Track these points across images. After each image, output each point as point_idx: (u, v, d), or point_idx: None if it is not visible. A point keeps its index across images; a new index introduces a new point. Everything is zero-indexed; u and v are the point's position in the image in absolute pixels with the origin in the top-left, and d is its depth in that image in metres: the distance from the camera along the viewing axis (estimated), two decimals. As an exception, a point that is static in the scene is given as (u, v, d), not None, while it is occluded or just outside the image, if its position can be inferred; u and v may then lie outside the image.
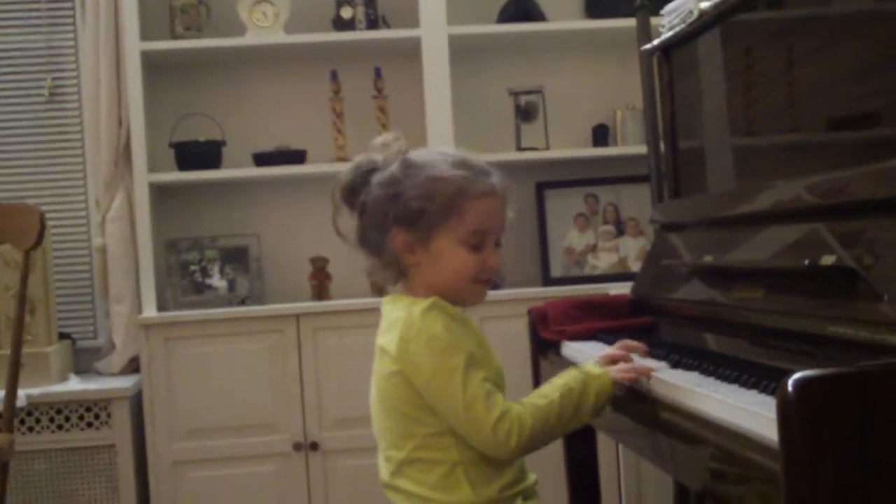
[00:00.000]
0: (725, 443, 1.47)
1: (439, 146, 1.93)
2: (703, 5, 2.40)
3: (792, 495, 1.18)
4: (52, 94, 4.04)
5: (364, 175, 1.85)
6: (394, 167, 1.84)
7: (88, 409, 3.53)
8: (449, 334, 1.76)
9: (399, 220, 1.81)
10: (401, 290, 1.90)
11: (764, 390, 1.55)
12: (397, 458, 1.83)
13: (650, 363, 1.93)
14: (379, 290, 1.91)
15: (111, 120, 3.78)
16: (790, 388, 1.17)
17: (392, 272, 1.87)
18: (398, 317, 1.81)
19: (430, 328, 1.76)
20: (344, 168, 1.89)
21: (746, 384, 1.61)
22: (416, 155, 1.87)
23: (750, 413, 1.43)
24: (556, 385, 1.81)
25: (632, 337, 2.15)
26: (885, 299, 1.53)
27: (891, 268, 1.58)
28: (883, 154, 1.66)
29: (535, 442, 1.77)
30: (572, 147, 4.00)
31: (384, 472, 1.87)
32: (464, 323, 1.84)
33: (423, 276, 1.85)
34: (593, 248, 3.97)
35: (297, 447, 3.58)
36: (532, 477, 1.91)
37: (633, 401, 1.87)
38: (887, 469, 1.18)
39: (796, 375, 1.18)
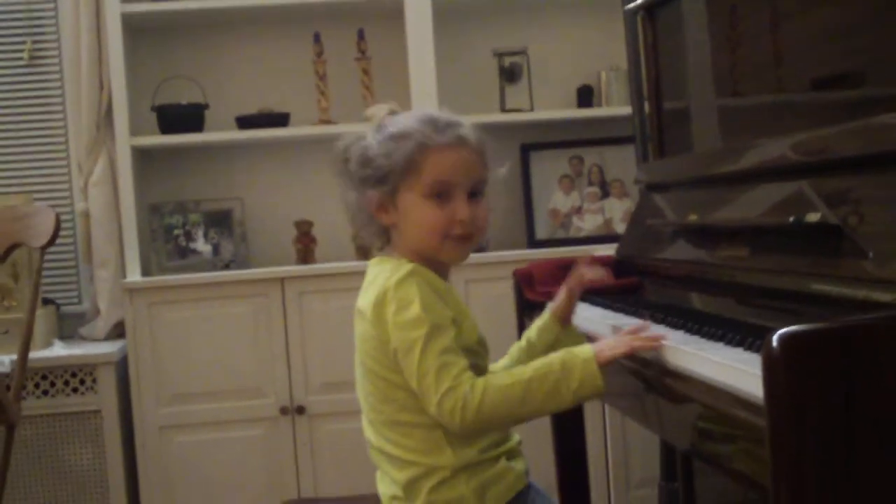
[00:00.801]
0: (711, 400, 1.47)
1: (422, 108, 1.92)
2: (688, -37, 2.39)
3: (778, 450, 1.18)
4: (32, 58, 4.00)
5: (349, 145, 1.87)
6: (371, 134, 1.86)
7: (74, 375, 3.53)
8: (418, 304, 1.74)
9: (370, 181, 1.83)
10: (387, 252, 1.90)
11: (749, 347, 1.55)
12: (378, 420, 1.83)
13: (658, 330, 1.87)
14: (364, 254, 1.91)
15: (92, 83, 3.76)
16: (775, 344, 1.17)
17: (377, 236, 1.89)
18: (376, 279, 1.81)
19: (401, 297, 1.75)
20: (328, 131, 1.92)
21: (732, 342, 1.61)
22: (390, 118, 1.88)
23: (735, 370, 1.43)
24: (534, 364, 1.76)
25: (618, 297, 2.15)
26: (869, 256, 1.53)
27: (875, 225, 1.58)
28: (867, 111, 1.66)
29: (489, 421, 1.72)
30: (557, 108, 3.99)
31: (368, 434, 1.88)
32: (443, 292, 1.81)
33: (401, 236, 1.85)
34: (578, 210, 3.97)
35: (284, 411, 3.58)
36: (516, 437, 1.91)
37: (619, 361, 1.86)
38: (872, 423, 1.18)
39: (781, 331, 1.18)
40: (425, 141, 1.81)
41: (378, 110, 1.90)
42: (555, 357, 1.76)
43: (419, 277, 1.78)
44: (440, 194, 1.81)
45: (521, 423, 1.76)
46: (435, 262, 1.85)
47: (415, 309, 1.74)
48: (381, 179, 1.82)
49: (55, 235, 3.08)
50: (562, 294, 2.04)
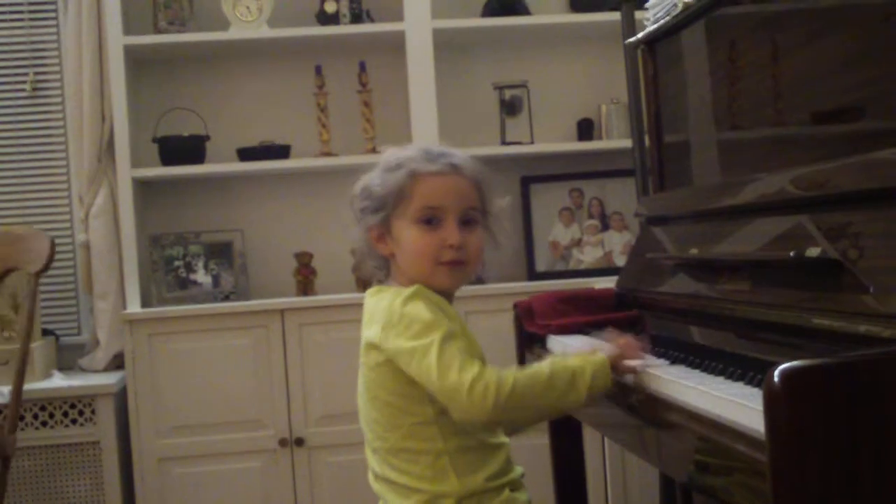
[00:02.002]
0: (712, 434, 1.47)
1: (421, 142, 1.99)
2: (688, -2, 2.40)
3: (779, 485, 1.18)
4: (34, 89, 4.02)
5: (355, 185, 1.93)
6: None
7: (73, 406, 3.52)
8: (428, 315, 1.77)
9: (367, 211, 1.87)
10: (387, 283, 1.92)
11: (750, 382, 1.55)
12: (383, 448, 1.83)
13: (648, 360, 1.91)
14: (364, 285, 1.93)
15: (94, 115, 3.77)
16: (776, 379, 1.17)
17: (379, 268, 1.94)
18: (380, 307, 1.82)
19: (410, 314, 1.77)
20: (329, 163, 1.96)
21: (732, 376, 1.61)
22: (390, 151, 1.93)
23: (736, 404, 1.43)
24: (550, 361, 1.80)
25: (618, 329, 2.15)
26: (870, 291, 1.53)
27: (875, 259, 1.58)
28: (866, 146, 1.66)
29: (517, 407, 1.74)
30: (557, 141, 4.00)
31: (371, 463, 1.87)
32: (447, 311, 1.84)
33: (398, 264, 1.89)
34: (578, 243, 3.97)
35: (283, 443, 3.57)
36: (518, 469, 1.91)
37: (620, 393, 1.86)
38: (874, 459, 1.18)
39: (783, 366, 1.18)
40: (416, 168, 1.86)
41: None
42: (568, 357, 1.82)
43: (423, 295, 1.81)
44: (430, 220, 1.84)
45: (540, 420, 1.86)
46: (429, 287, 1.85)
47: (425, 319, 1.76)
48: (376, 209, 1.86)
49: (50, 260, 3.03)
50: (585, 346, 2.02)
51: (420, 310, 1.77)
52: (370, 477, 1.89)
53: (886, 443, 1.18)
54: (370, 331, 1.83)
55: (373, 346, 1.81)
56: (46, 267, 3.04)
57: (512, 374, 1.74)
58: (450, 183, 1.86)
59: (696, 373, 1.73)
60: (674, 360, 1.87)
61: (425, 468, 1.80)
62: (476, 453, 1.80)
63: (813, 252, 1.69)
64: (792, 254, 1.72)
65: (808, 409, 1.17)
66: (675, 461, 1.69)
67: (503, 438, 1.89)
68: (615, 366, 1.82)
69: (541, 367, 1.78)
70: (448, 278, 1.87)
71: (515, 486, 1.88)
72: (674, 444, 1.66)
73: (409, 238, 1.85)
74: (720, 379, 1.63)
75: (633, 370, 1.85)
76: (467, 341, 1.80)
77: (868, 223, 1.64)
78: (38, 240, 3.11)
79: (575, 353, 1.84)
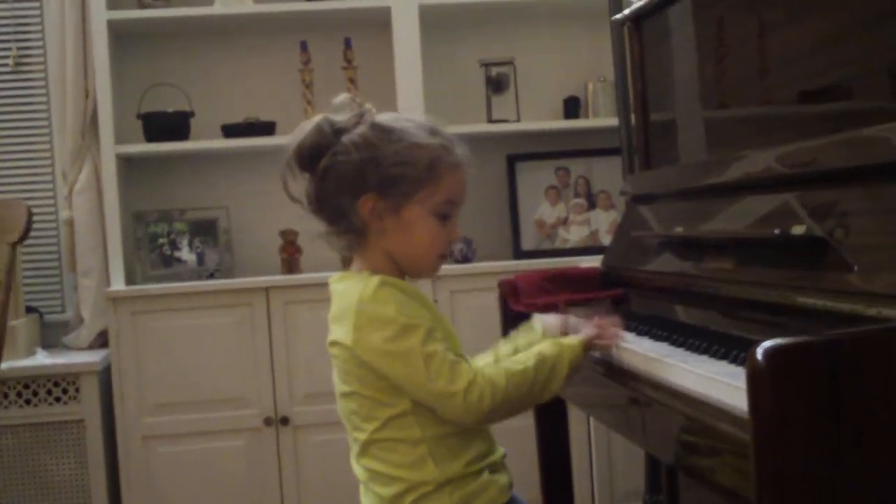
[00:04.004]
0: (696, 413, 1.47)
1: (405, 114, 1.88)
2: (675, -25, 2.39)
3: (762, 463, 1.17)
4: (17, 65, 3.99)
5: (329, 137, 1.79)
6: (364, 130, 1.78)
7: (56, 384, 3.51)
8: (401, 314, 1.72)
9: (373, 186, 1.76)
10: (354, 258, 1.86)
11: (734, 360, 1.54)
12: (361, 439, 1.81)
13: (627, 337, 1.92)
14: (349, 264, 1.87)
15: (77, 91, 3.75)
16: (760, 357, 1.16)
17: (350, 238, 1.82)
18: (347, 302, 1.76)
19: (381, 313, 1.72)
20: (301, 129, 1.83)
21: (716, 354, 1.61)
22: (387, 119, 1.82)
23: (720, 383, 1.42)
24: (530, 353, 1.79)
25: (602, 309, 2.14)
26: (854, 269, 1.53)
27: (860, 237, 1.58)
28: (853, 124, 1.65)
29: (508, 406, 1.75)
30: (543, 119, 3.99)
31: (353, 450, 1.86)
32: (417, 298, 1.79)
33: (384, 244, 1.80)
34: (564, 221, 3.96)
35: (268, 422, 3.56)
36: (500, 450, 1.89)
37: (604, 373, 1.86)
38: (857, 437, 1.17)
39: (766, 344, 1.17)
40: (443, 157, 1.79)
41: (346, 99, 1.82)
42: (545, 345, 1.82)
43: (391, 288, 1.75)
44: (447, 215, 1.80)
45: (529, 408, 1.88)
46: (403, 273, 1.83)
47: (398, 321, 1.71)
48: (387, 186, 1.76)
49: (28, 229, 2.91)
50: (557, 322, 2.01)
51: (391, 307, 1.72)
52: (352, 461, 1.88)
53: (868, 420, 1.18)
54: (339, 330, 1.78)
55: (345, 348, 1.76)
56: (24, 236, 2.93)
57: (501, 375, 1.73)
58: (464, 178, 1.83)
59: (680, 351, 1.72)
60: (658, 339, 1.87)
61: (403, 457, 1.77)
62: (455, 439, 1.78)
63: (798, 230, 1.68)
64: (777, 232, 1.71)
65: (791, 387, 1.16)
66: (659, 440, 1.68)
67: None
68: (590, 345, 1.84)
69: (526, 364, 1.77)
70: (437, 270, 1.87)
71: (496, 467, 1.85)
72: (658, 424, 1.66)
73: (423, 230, 1.79)
74: (704, 357, 1.63)
75: (608, 347, 1.87)
76: (443, 331, 1.77)
77: (853, 201, 1.63)
78: (14, 208, 2.99)
79: (550, 339, 1.84)
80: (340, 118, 1.80)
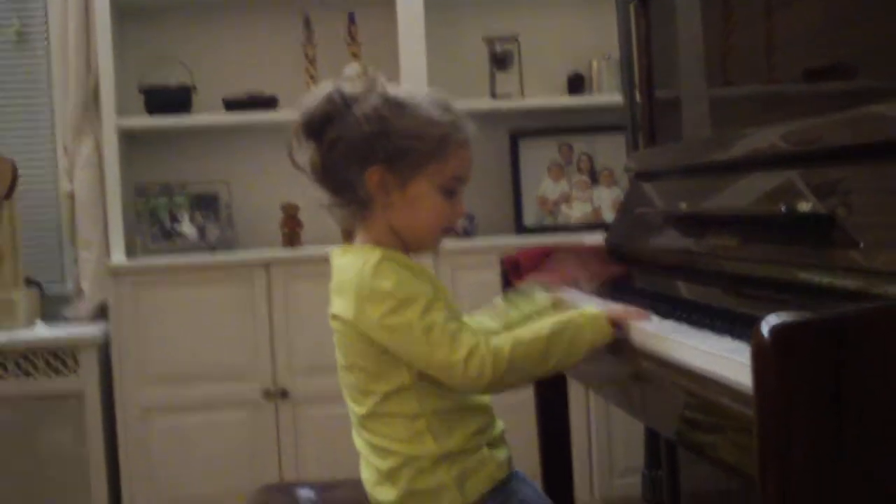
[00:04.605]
0: (698, 389, 1.46)
1: (427, 90, 1.86)
2: (682, -50, 2.38)
3: (765, 441, 1.17)
4: (19, 37, 3.97)
5: (339, 107, 1.78)
6: (376, 102, 1.77)
7: (56, 356, 3.50)
8: (400, 288, 1.71)
9: (382, 158, 1.76)
10: (357, 230, 1.85)
11: (738, 337, 1.53)
12: (360, 412, 1.81)
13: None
14: (351, 238, 1.86)
15: (80, 64, 3.73)
16: (765, 333, 1.16)
17: (354, 210, 1.82)
18: (350, 278, 1.76)
19: (380, 287, 1.71)
20: (309, 98, 1.81)
21: (720, 331, 1.60)
22: (399, 93, 1.80)
23: (724, 359, 1.41)
24: (548, 321, 1.77)
25: (605, 284, 2.14)
26: (860, 246, 1.52)
27: (866, 215, 1.57)
28: (858, 101, 1.64)
29: (516, 374, 1.73)
30: (547, 96, 3.98)
31: (353, 422, 1.86)
32: (418, 272, 1.78)
33: (389, 217, 1.80)
34: (567, 198, 3.95)
35: (267, 395, 3.56)
36: (500, 425, 1.88)
37: (606, 349, 1.85)
38: (861, 414, 1.17)
39: (771, 320, 1.16)
40: (453, 133, 1.78)
41: (358, 70, 1.81)
42: (566, 315, 1.79)
43: (391, 263, 1.74)
44: (453, 192, 1.80)
45: (536, 379, 1.86)
46: (404, 247, 1.83)
47: (396, 295, 1.71)
48: (397, 159, 1.76)
49: (14, 184, 2.90)
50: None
51: (390, 282, 1.71)
52: (353, 433, 1.88)
53: (871, 398, 1.17)
54: (340, 303, 1.78)
55: (346, 322, 1.77)
56: (10, 190, 2.90)
57: (508, 341, 1.72)
58: (470, 155, 1.83)
59: (684, 327, 1.71)
60: (661, 315, 1.86)
61: (402, 431, 1.77)
62: (454, 415, 1.78)
63: (803, 207, 1.67)
64: (782, 209, 1.70)
65: (796, 363, 1.16)
66: (660, 416, 1.68)
67: (484, 399, 1.86)
68: (615, 321, 1.79)
69: (539, 332, 1.75)
70: (438, 245, 1.88)
71: (494, 442, 1.85)
72: (659, 399, 1.65)
73: (429, 204, 1.79)
74: (707, 333, 1.62)
75: (628, 319, 1.81)
76: (446, 303, 1.77)
77: (859, 179, 1.62)
78: None
79: (574, 310, 1.81)
80: (351, 88, 1.79)
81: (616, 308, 1.84)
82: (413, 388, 1.76)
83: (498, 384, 1.72)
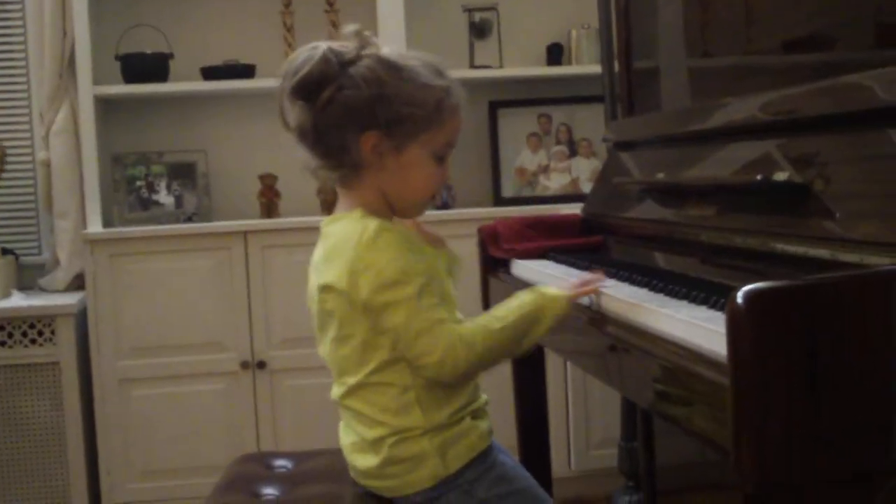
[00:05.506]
0: (674, 358, 1.46)
1: (421, 53, 1.83)
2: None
3: (741, 408, 1.17)
4: (-7, 4, 3.93)
5: (335, 68, 1.73)
6: (371, 64, 1.73)
7: (32, 326, 3.49)
8: (395, 265, 1.69)
9: (379, 123, 1.73)
10: (343, 194, 1.83)
11: (714, 306, 1.54)
12: (350, 382, 1.79)
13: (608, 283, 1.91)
14: (329, 208, 1.84)
15: (55, 31, 3.70)
16: (740, 300, 1.16)
17: (344, 173, 1.78)
18: (344, 246, 1.73)
19: (378, 260, 1.69)
20: (299, 57, 1.75)
21: (696, 300, 1.60)
22: (393, 55, 1.77)
23: (699, 328, 1.42)
24: (511, 308, 1.78)
25: (582, 255, 2.14)
26: (836, 216, 1.53)
27: (842, 185, 1.57)
28: (835, 71, 1.64)
29: (485, 365, 1.76)
30: (526, 66, 3.97)
31: (336, 392, 1.84)
32: (413, 245, 1.76)
33: (379, 181, 1.78)
34: (545, 169, 3.95)
35: (245, 365, 3.56)
36: (483, 397, 1.89)
37: (583, 318, 1.85)
38: (834, 380, 1.17)
39: (746, 287, 1.17)
40: (447, 99, 1.77)
41: (355, 28, 1.75)
42: (527, 298, 1.80)
43: (389, 234, 1.71)
44: (443, 158, 1.80)
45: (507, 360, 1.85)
46: (392, 211, 1.82)
47: (393, 270, 1.69)
48: (394, 124, 1.73)
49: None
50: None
51: (387, 256, 1.69)
52: (335, 397, 1.86)
53: (845, 364, 1.18)
54: (331, 271, 1.75)
55: (340, 292, 1.73)
56: None
57: (480, 335, 1.73)
58: (460, 121, 1.82)
59: (660, 296, 1.72)
60: (638, 284, 1.86)
61: (391, 401, 1.77)
62: (443, 389, 1.77)
63: (780, 177, 1.68)
64: (759, 178, 1.70)
65: (771, 331, 1.16)
66: (637, 385, 1.68)
67: None
68: (575, 298, 1.84)
69: (506, 322, 1.76)
70: (425, 210, 1.87)
71: (478, 413, 1.85)
72: (636, 368, 1.65)
73: (421, 170, 1.78)
74: (683, 302, 1.62)
75: (590, 294, 1.87)
76: (438, 283, 1.77)
77: (835, 148, 1.63)
78: None
79: (532, 293, 1.81)
80: (344, 49, 1.75)
81: (573, 284, 1.87)
82: (405, 358, 1.75)
83: (468, 376, 1.77)
